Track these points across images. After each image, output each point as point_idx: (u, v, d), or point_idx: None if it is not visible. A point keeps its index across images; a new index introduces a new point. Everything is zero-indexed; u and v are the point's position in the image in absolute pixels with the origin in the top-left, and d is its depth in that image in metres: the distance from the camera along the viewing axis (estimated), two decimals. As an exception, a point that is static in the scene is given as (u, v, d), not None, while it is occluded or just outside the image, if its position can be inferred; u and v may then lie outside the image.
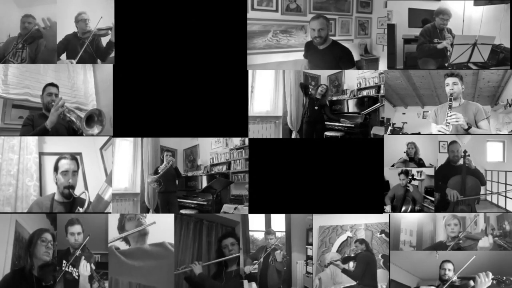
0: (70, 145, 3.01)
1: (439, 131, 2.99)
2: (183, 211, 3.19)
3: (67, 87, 3.10)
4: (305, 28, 3.11)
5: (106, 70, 3.02)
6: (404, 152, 3.04)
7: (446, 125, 2.94)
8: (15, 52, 3.00)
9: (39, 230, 2.92)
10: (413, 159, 3.05)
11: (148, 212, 3.21)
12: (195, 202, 3.30)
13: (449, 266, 2.90)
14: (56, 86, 3.01)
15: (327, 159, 2.99)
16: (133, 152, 3.21)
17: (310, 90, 3.22)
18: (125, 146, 3.13)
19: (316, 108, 3.27)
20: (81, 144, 3.04)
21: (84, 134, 2.96)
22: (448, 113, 2.94)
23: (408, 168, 3.05)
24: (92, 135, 2.97)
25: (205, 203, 3.24)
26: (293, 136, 3.26)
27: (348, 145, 3.03)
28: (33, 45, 3.02)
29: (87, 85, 3.14)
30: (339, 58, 3.08)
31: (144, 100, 2.97)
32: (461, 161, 3.03)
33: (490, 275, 2.81)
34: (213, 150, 3.30)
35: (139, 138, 3.10)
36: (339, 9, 3.10)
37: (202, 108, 2.97)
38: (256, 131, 3.04)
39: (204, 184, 3.36)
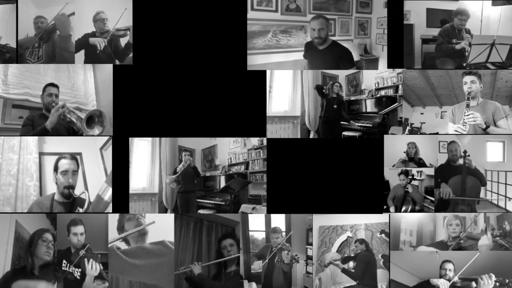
0: (70, 145, 3.01)
1: (455, 131, 2.98)
2: (201, 211, 3.19)
3: (67, 87, 3.10)
4: (304, 28, 3.11)
5: (106, 70, 3.02)
6: (404, 152, 3.04)
7: (463, 125, 2.93)
8: (31, 51, 3.01)
9: (40, 230, 2.92)
10: (413, 159, 3.05)
11: (166, 212, 3.20)
12: (213, 202, 3.28)
13: (449, 266, 2.90)
14: (56, 86, 3.01)
15: (327, 159, 2.99)
16: (151, 152, 3.19)
17: (325, 90, 3.20)
18: (143, 146, 3.13)
19: (335, 106, 3.25)
20: (81, 144, 3.03)
21: (84, 135, 2.96)
22: (465, 112, 2.92)
23: (408, 168, 3.05)
24: (93, 136, 2.97)
25: (223, 203, 3.23)
26: (311, 136, 3.24)
27: (348, 145, 3.03)
28: (49, 42, 3.03)
29: (87, 85, 3.14)
30: (339, 58, 3.08)
31: (146, 100, 2.98)
32: (460, 161, 3.03)
33: (493, 277, 2.81)
34: (231, 150, 3.29)
35: (157, 138, 3.09)
36: (338, 9, 3.10)
37: (220, 108, 2.97)
38: (274, 131, 3.05)
39: (222, 184, 3.35)
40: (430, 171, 3.05)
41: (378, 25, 3.12)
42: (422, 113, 3.13)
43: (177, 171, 3.22)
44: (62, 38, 3.03)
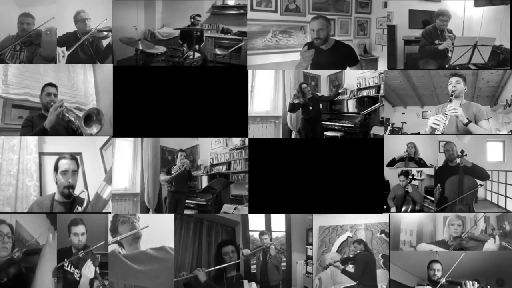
0: (70, 145, 3.01)
1: (436, 119, 2.95)
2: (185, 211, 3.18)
3: (67, 87, 3.10)
4: (304, 29, 3.12)
5: (106, 70, 3.02)
6: (404, 152, 3.04)
7: (444, 115, 2.92)
8: (13, 53, 3.01)
9: None
10: (413, 158, 3.05)
11: (148, 212, 3.20)
12: (195, 202, 3.29)
13: (437, 266, 2.90)
14: (55, 86, 3.00)
15: (327, 159, 2.99)
16: (133, 152, 3.21)
17: (299, 100, 3.20)
18: (125, 146, 3.14)
19: (311, 108, 3.26)
20: (81, 144, 3.04)
21: (83, 134, 2.95)
22: (447, 106, 2.94)
23: (408, 169, 3.05)
24: (91, 135, 2.97)
25: (205, 203, 3.23)
26: (293, 136, 3.25)
27: (348, 145, 3.03)
28: (31, 48, 3.02)
29: (87, 85, 3.15)
30: (345, 57, 3.08)
31: (144, 100, 2.98)
32: (458, 160, 3.04)
33: (476, 284, 2.81)
34: (213, 150, 3.30)
35: (139, 138, 3.10)
36: (338, 9, 3.11)
37: (202, 108, 2.97)
38: (256, 129, 3.04)
39: (204, 184, 3.35)
40: (430, 171, 3.05)
41: (377, 25, 3.13)
42: (403, 113, 3.14)
43: (172, 172, 3.21)
44: (41, 59, 3.02)
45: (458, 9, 3.08)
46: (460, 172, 3.03)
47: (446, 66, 3.06)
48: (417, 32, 3.11)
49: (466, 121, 2.93)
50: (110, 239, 2.94)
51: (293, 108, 3.21)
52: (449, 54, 3.06)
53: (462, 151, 3.02)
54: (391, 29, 3.08)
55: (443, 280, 2.84)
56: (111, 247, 2.93)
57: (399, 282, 2.98)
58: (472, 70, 3.03)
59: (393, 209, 3.02)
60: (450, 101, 2.94)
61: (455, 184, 3.02)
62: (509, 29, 3.02)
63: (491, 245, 2.98)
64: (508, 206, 3.01)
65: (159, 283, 2.90)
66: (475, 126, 2.94)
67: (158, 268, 2.91)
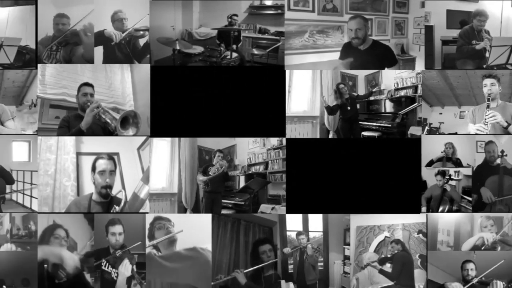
0: (107, 145, 3.01)
1: (477, 129, 2.99)
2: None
3: (104, 87, 3.10)
4: (341, 28, 3.11)
5: (144, 70, 3.02)
6: (442, 152, 3.04)
7: (485, 124, 2.95)
8: (49, 54, 3.01)
9: (51, 226, 2.92)
10: (451, 158, 3.05)
11: (185, 211, 3.21)
12: (232, 202, 3.29)
13: (471, 266, 2.92)
14: (91, 85, 2.99)
15: (364, 159, 2.99)
16: (171, 152, 3.21)
17: (337, 101, 3.21)
18: (162, 146, 3.14)
19: (349, 108, 3.26)
20: (118, 144, 3.03)
21: (119, 135, 2.95)
22: (486, 112, 2.95)
23: (445, 169, 3.04)
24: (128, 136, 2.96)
25: (243, 203, 3.24)
26: (330, 136, 3.25)
27: (385, 145, 3.03)
28: (68, 47, 3.02)
29: (125, 85, 3.15)
30: (383, 57, 3.08)
31: (182, 100, 2.98)
32: (498, 161, 3.03)
33: (504, 284, 2.83)
34: (250, 150, 3.30)
35: (177, 138, 3.10)
36: (375, 9, 3.10)
37: (239, 108, 2.96)
38: (293, 129, 3.04)
39: (242, 184, 3.36)
40: (468, 171, 3.05)
41: (415, 25, 3.13)
42: (441, 113, 3.13)
43: (209, 173, 3.22)
44: (84, 59, 3.03)
45: (495, 9, 3.07)
46: (500, 172, 3.02)
47: (484, 66, 3.06)
48: (455, 32, 3.10)
49: (505, 124, 2.96)
50: (147, 243, 2.95)
51: (331, 111, 3.21)
52: (487, 54, 3.06)
53: (502, 151, 3.02)
54: (429, 30, 3.08)
55: (475, 281, 2.85)
56: (147, 251, 2.95)
57: (436, 282, 2.98)
58: (510, 70, 3.04)
59: (423, 209, 3.02)
60: (488, 106, 2.96)
61: (495, 184, 3.02)
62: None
63: None
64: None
65: (191, 278, 2.92)
66: None
67: (191, 264, 2.92)
